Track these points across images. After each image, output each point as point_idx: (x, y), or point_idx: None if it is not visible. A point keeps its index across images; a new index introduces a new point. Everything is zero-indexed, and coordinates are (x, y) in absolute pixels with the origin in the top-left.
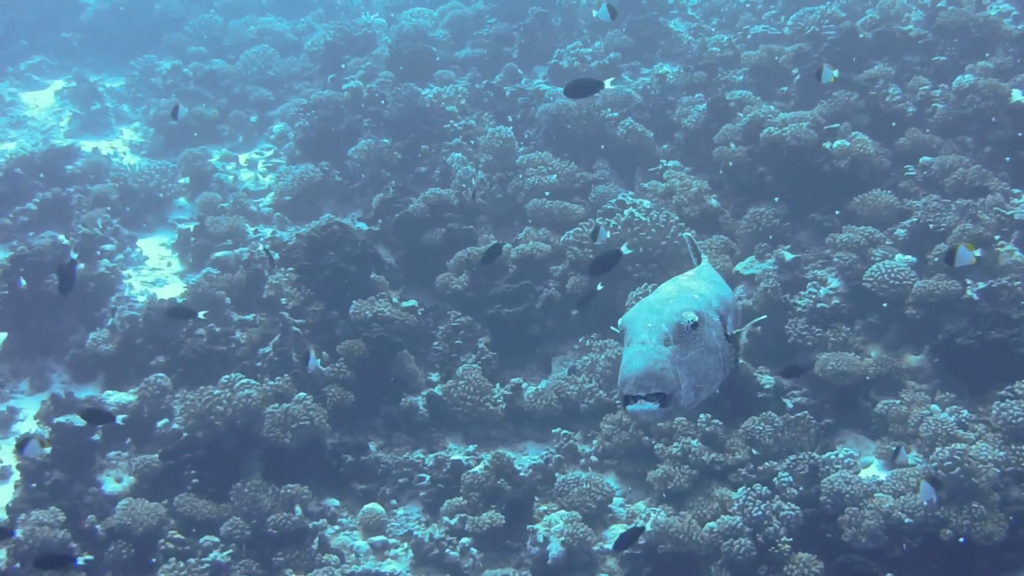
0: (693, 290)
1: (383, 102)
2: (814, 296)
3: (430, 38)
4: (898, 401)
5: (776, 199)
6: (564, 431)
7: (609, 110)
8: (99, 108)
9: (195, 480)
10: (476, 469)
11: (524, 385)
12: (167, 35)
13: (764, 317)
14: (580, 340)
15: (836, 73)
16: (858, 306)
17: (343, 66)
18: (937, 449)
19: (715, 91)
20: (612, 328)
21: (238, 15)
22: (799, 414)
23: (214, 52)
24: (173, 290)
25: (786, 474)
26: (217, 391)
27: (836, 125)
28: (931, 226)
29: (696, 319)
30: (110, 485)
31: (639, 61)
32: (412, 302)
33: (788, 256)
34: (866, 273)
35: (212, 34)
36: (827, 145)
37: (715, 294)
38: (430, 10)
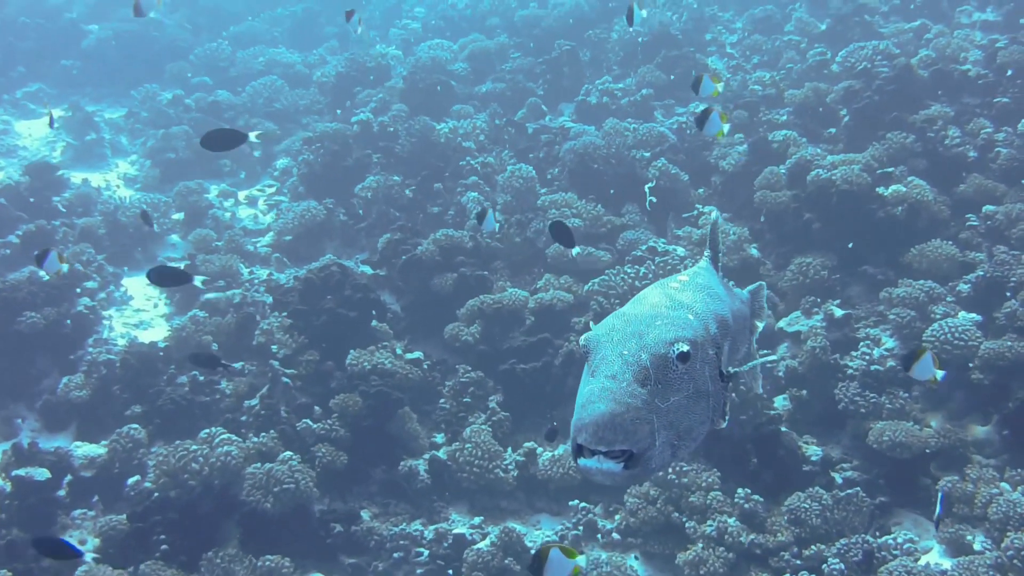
0: (686, 306)
1: (395, 136)
2: (867, 357)
3: (449, 71)
4: (963, 478)
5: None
6: (583, 504)
7: (640, 150)
8: (94, 138)
9: (164, 546)
10: (481, 545)
11: (539, 451)
12: (171, 64)
13: (774, 357)
14: None
15: (720, 87)
16: None
17: (349, 102)
18: (1010, 535)
19: (757, 131)
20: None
21: (248, 46)
22: (850, 491)
23: (220, 83)
24: (157, 333)
25: (836, 561)
26: (194, 447)
27: (891, 169)
28: (999, 281)
29: (688, 351)
30: None
31: (673, 99)
32: (417, 354)
33: (838, 312)
34: (926, 332)
35: (218, 64)
36: (881, 190)
37: (713, 314)
38: (450, 42)
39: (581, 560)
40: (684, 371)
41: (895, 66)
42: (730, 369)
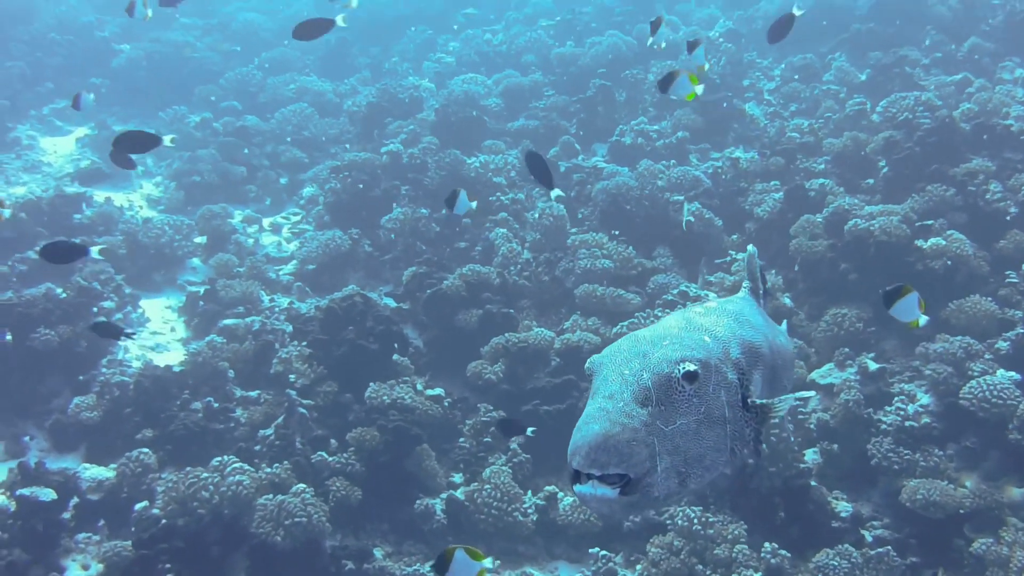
0: (706, 329)
1: (424, 168)
2: (902, 413)
3: (482, 106)
4: (998, 541)
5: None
6: (603, 552)
7: (674, 193)
8: None
9: (169, 575)
10: None
11: (560, 495)
12: (200, 87)
13: (812, 394)
14: None
15: (700, 89)
16: (952, 427)
17: (376, 132)
18: None
19: (793, 179)
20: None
21: (279, 73)
22: (881, 550)
23: (249, 108)
24: (173, 357)
25: None
26: (205, 474)
27: (930, 222)
28: None
29: (695, 370)
30: (75, 572)
31: (709, 144)
32: (438, 390)
33: (872, 366)
34: (963, 390)
35: (248, 89)
36: (920, 243)
37: (738, 339)
38: (484, 77)
39: (487, 563)
40: (692, 393)
41: (937, 118)
42: (756, 400)
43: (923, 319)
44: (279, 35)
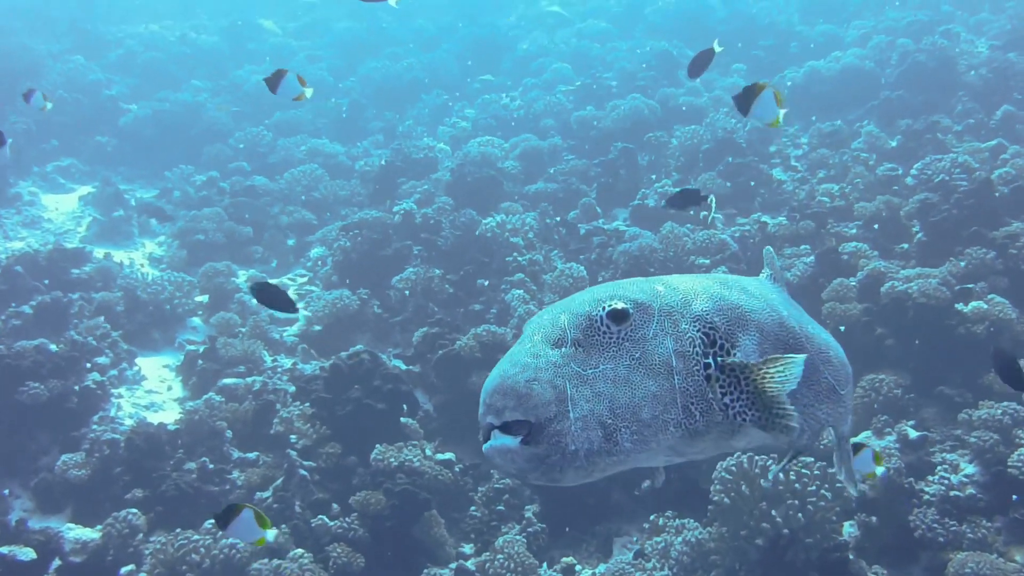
0: (666, 282)
1: (438, 228)
2: (946, 483)
3: (499, 168)
4: None
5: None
6: None
7: (699, 256)
8: (122, 215)
9: None
10: None
11: (578, 567)
12: (208, 147)
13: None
14: (651, 518)
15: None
16: (1000, 498)
17: (390, 192)
18: None
19: (824, 243)
20: None
21: (290, 134)
22: None
23: (258, 169)
24: (168, 416)
25: None
26: (196, 536)
27: (971, 285)
28: None
29: (623, 309)
30: None
31: (735, 209)
32: (449, 455)
33: (912, 434)
34: (1011, 458)
35: (258, 149)
36: (960, 307)
37: (714, 296)
38: (501, 140)
39: (270, 534)
40: (622, 335)
41: (974, 180)
42: (729, 360)
43: (782, 113)
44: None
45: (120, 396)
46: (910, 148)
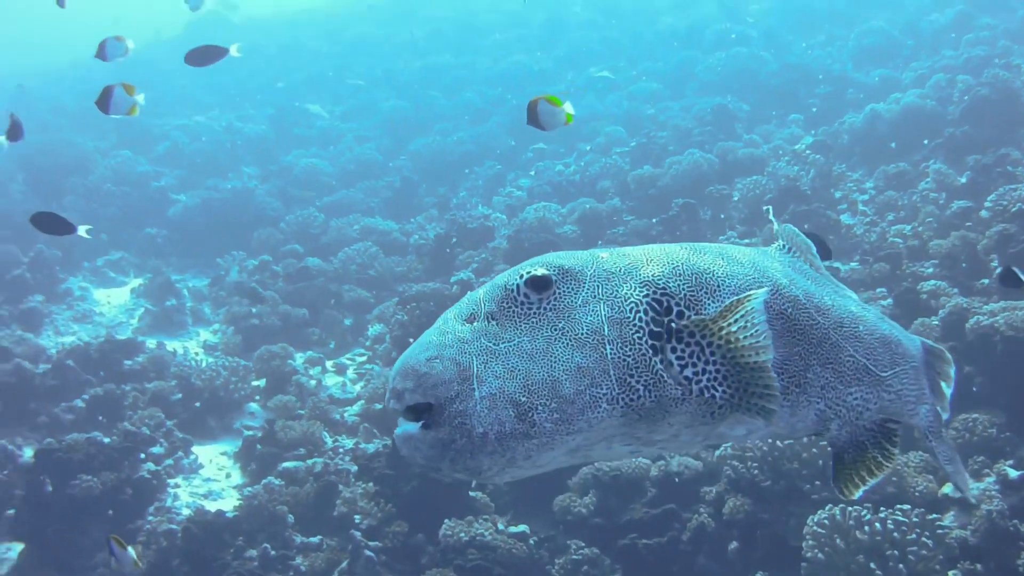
0: (615, 250)
1: None
2: None
3: (556, 234)
4: None
5: None
6: None
7: None
8: (174, 304)
9: None
10: None
11: None
12: (259, 231)
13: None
14: None
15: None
16: None
17: (443, 266)
18: None
19: (900, 284)
20: None
21: (342, 215)
22: None
23: (311, 251)
24: (228, 504)
25: None
26: None
27: None
28: None
29: (544, 275)
30: None
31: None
32: (522, 527)
33: (1012, 473)
34: None
35: (310, 231)
36: None
37: (675, 261)
38: (557, 206)
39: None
40: (544, 305)
41: None
42: (681, 321)
43: (566, 107)
44: (341, 179)
45: (177, 486)
46: (980, 183)
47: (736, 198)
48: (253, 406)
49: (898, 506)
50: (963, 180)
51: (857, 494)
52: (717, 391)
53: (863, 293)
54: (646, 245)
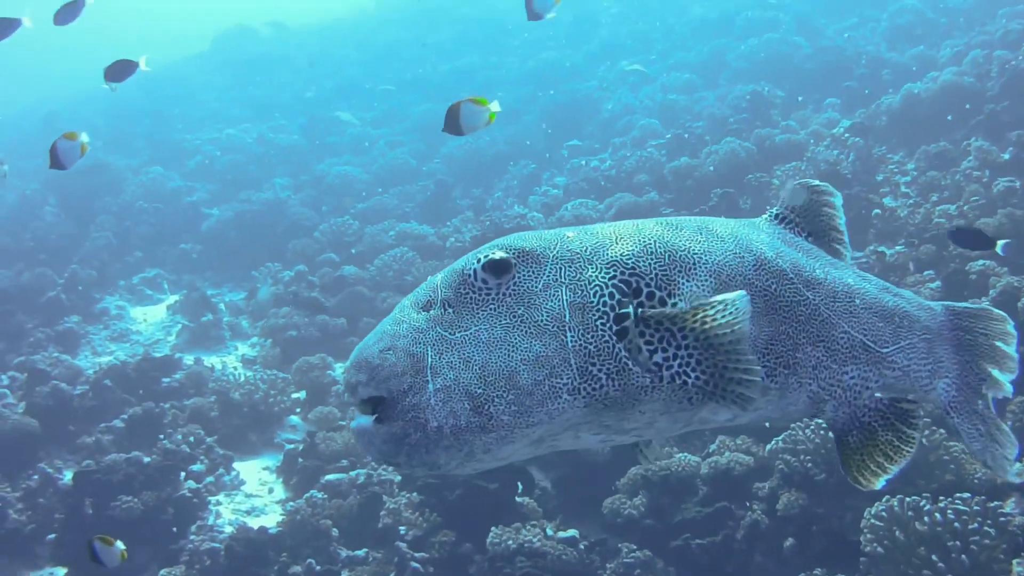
0: (594, 234)
1: None
2: None
3: None
4: None
5: None
6: None
7: None
8: (210, 319)
9: None
10: None
11: None
12: (294, 241)
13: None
14: None
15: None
16: None
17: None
18: None
19: (947, 266)
20: None
21: (376, 221)
22: None
23: (346, 259)
24: (272, 519)
25: None
26: None
27: None
28: None
29: (502, 259)
30: None
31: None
32: (572, 532)
33: None
34: None
35: (344, 239)
36: None
37: (646, 238)
38: (595, 202)
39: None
40: (504, 290)
41: None
42: (643, 311)
43: (493, 105)
44: (373, 185)
45: (219, 503)
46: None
47: (776, 185)
48: (294, 419)
49: (957, 495)
50: (1006, 156)
51: (878, 484)
52: (690, 377)
53: (910, 276)
54: (618, 221)
